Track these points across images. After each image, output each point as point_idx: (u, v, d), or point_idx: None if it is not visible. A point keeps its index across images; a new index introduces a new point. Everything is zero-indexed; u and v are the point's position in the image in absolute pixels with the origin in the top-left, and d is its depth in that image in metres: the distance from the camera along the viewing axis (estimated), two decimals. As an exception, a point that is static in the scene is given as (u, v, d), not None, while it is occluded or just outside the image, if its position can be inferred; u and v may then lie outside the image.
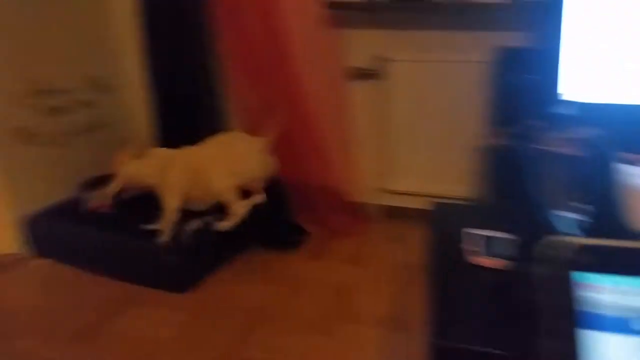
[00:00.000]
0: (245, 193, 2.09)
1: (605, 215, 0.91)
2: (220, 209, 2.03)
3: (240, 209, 2.03)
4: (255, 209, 2.09)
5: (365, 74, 2.34)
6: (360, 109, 2.42)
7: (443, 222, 1.19)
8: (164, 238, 1.88)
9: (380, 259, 2.13)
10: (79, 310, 1.73)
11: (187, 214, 1.99)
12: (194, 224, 1.97)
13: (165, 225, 1.92)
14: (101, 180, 2.23)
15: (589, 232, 0.92)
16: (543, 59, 1.74)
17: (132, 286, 1.88)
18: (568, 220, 0.90)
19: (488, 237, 1.01)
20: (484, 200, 2.12)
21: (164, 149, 2.11)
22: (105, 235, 1.97)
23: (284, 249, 2.16)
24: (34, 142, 2.09)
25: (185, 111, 2.49)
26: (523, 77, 1.92)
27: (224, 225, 1.99)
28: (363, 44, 2.33)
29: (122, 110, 2.62)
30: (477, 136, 2.26)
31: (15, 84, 2.00)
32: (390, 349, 1.54)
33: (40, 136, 2.12)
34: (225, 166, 2.04)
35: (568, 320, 0.62)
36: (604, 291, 0.62)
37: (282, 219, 2.31)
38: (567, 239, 0.66)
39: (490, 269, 0.93)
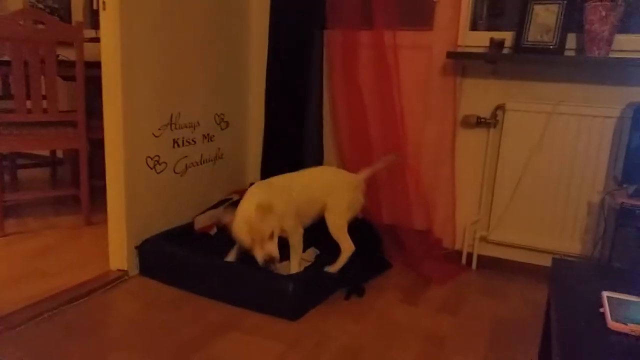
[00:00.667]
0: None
1: None
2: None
3: (348, 249, 2.05)
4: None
5: (481, 123, 2.32)
6: (471, 157, 2.39)
7: (567, 280, 1.11)
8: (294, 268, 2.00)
9: (476, 311, 2.03)
10: (178, 330, 1.80)
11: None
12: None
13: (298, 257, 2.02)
14: (214, 207, 2.37)
15: None
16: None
17: (236, 310, 1.93)
18: None
19: (629, 302, 0.92)
20: (602, 261, 1.97)
21: (279, 178, 2.17)
22: (212, 259, 2.06)
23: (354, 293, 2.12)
24: (159, 170, 2.26)
25: (290, 148, 2.60)
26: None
27: (333, 268, 2.05)
28: (483, 93, 2.33)
29: (238, 144, 2.78)
30: (597, 193, 2.13)
31: (154, 117, 2.19)
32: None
33: (166, 165, 2.29)
34: (339, 202, 2.08)
35: None
36: None
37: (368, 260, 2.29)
38: None
39: (630, 335, 0.85)
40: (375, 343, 1.76)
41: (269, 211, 1.84)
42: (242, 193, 2.52)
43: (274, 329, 1.82)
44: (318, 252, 2.21)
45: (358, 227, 2.24)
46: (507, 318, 1.99)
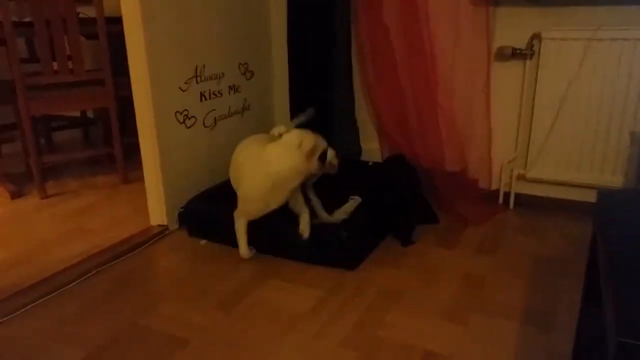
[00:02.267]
0: None
1: None
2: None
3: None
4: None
5: (516, 54, 2.20)
6: (507, 91, 2.30)
7: (615, 212, 1.07)
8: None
9: (515, 250, 2.01)
10: (221, 279, 1.85)
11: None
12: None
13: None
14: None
15: None
16: None
17: (275, 260, 1.97)
18: None
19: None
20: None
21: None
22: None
23: (402, 242, 2.10)
24: (189, 124, 2.25)
25: (318, 96, 2.54)
26: None
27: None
28: (518, 22, 2.20)
29: (264, 94, 2.75)
30: (639, 122, 2.03)
31: (180, 71, 2.17)
32: (529, 345, 1.45)
33: (196, 119, 2.28)
34: None
35: None
36: None
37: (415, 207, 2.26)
38: None
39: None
40: (415, 286, 1.77)
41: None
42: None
43: (313, 275, 1.85)
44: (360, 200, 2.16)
45: (410, 175, 2.23)
46: (547, 256, 1.96)
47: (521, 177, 2.35)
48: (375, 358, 1.41)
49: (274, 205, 1.87)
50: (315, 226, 1.96)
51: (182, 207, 2.23)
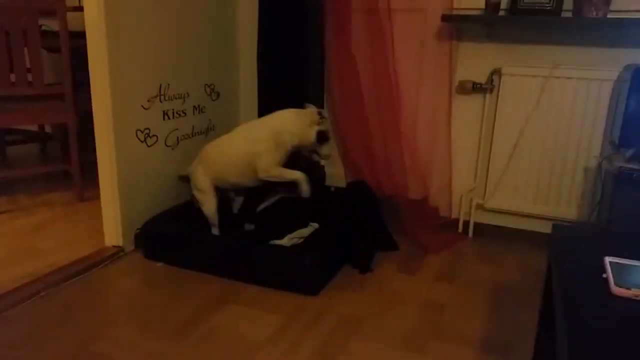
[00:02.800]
0: None
1: None
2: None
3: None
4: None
5: (477, 88, 2.27)
6: (467, 124, 2.36)
7: (568, 245, 1.10)
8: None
9: (474, 278, 2.04)
10: (176, 305, 1.79)
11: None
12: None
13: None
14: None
15: None
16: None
17: (233, 284, 1.93)
18: None
19: (631, 267, 0.92)
20: (600, 226, 1.97)
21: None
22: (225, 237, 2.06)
23: (360, 269, 2.10)
24: (150, 143, 2.21)
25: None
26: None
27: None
28: (479, 58, 2.28)
29: (229, 115, 2.73)
30: (593, 157, 2.12)
31: (143, 88, 2.14)
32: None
33: (157, 138, 2.24)
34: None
35: None
36: None
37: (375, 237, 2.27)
38: None
39: (634, 300, 0.85)
40: (375, 312, 1.77)
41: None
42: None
43: (272, 301, 1.82)
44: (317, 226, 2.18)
45: (370, 202, 2.24)
46: (506, 284, 2.00)
47: (480, 207, 2.40)
48: (333, 387, 1.39)
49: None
50: (278, 251, 1.95)
51: (138, 229, 2.16)
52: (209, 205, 2.13)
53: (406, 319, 1.73)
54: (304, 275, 1.88)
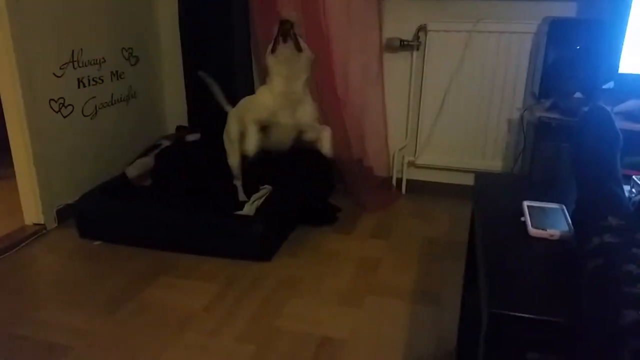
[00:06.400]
0: None
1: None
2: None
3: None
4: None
5: (405, 46, 2.27)
6: (397, 82, 2.36)
7: (489, 193, 1.14)
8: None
9: (406, 233, 2.10)
10: (106, 280, 1.72)
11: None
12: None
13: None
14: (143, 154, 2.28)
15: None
16: (603, 31, 1.65)
17: (164, 255, 1.87)
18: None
19: (547, 209, 0.95)
20: (524, 174, 2.06)
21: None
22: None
23: (320, 224, 2.12)
24: (66, 113, 2.07)
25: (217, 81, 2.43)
26: (574, 50, 1.84)
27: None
28: (405, 15, 2.26)
29: (151, 81, 2.60)
30: (516, 109, 2.19)
31: (53, 55, 1.98)
32: (419, 322, 1.51)
33: (73, 108, 2.10)
34: None
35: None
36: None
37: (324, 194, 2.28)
38: None
39: (549, 240, 0.88)
40: (312, 273, 1.78)
41: None
42: (171, 138, 2.38)
43: (207, 269, 1.79)
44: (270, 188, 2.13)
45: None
46: (436, 238, 2.06)
47: (411, 164, 2.44)
48: (273, 349, 1.39)
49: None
50: (228, 220, 1.90)
51: (69, 204, 2.05)
52: (233, 157, 2.08)
53: (342, 277, 1.75)
54: (255, 243, 1.86)
